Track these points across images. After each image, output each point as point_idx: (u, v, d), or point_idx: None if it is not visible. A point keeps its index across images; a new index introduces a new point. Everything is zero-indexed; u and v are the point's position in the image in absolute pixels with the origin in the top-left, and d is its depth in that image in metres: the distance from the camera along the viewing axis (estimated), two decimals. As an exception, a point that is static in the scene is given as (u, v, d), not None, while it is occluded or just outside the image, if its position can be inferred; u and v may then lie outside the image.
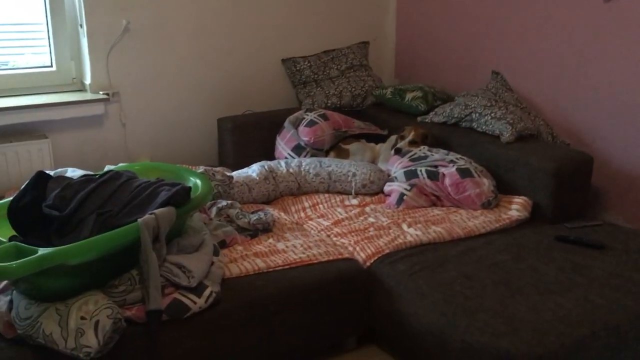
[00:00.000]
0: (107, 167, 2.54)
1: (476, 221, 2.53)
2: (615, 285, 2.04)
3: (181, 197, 1.93)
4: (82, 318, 1.68)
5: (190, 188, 1.99)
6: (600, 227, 2.53)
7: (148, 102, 3.21)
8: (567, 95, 2.97)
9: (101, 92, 3.05)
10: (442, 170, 2.73)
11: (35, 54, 3.05)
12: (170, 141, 3.32)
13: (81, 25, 3.00)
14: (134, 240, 1.78)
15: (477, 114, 2.95)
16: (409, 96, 3.31)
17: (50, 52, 3.06)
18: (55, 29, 3.02)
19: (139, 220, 1.79)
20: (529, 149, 2.73)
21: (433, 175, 2.71)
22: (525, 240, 2.41)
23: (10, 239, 1.74)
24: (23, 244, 1.66)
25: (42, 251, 1.62)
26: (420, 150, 2.90)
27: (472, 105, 3.00)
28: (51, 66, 3.08)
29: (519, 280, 2.09)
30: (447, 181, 2.68)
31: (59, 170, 2.55)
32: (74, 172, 2.50)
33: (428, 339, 2.00)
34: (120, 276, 1.84)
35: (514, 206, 2.63)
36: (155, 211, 1.83)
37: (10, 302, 1.76)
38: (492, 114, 2.89)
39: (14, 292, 1.78)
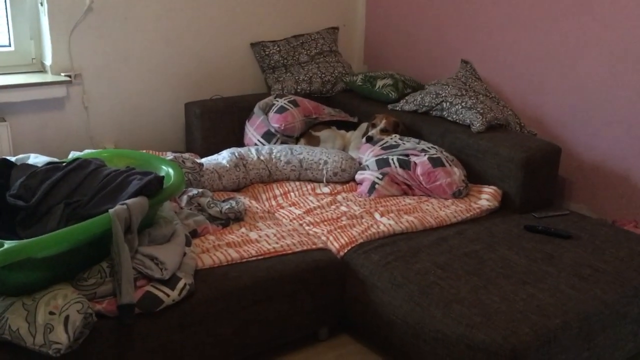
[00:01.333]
0: (73, 154, 2.46)
1: (447, 210, 2.55)
2: (584, 274, 2.09)
3: (153, 187, 1.88)
4: (51, 313, 1.61)
5: (162, 177, 1.93)
6: (567, 217, 2.59)
7: (112, 85, 3.10)
8: (534, 85, 3.01)
9: (63, 74, 2.93)
10: (413, 159, 2.73)
11: (-9, 32, 2.91)
12: (136, 126, 3.22)
13: (41, 3, 2.86)
14: (105, 232, 1.72)
15: (448, 103, 2.96)
16: (379, 84, 3.30)
17: (9, 31, 2.91)
18: (14, 6, 2.87)
19: (110, 210, 1.72)
20: (498, 138, 2.76)
21: (405, 164, 2.72)
22: (495, 230, 2.44)
23: (-27, 231, 1.66)
24: (-13, 237, 1.58)
25: (7, 244, 1.54)
26: (391, 138, 2.90)
27: (443, 94, 3.01)
28: (9, 45, 2.94)
29: (492, 270, 2.11)
30: (418, 170, 2.69)
31: (21, 156, 2.44)
32: (36, 159, 2.39)
33: (403, 329, 2.01)
34: (90, 269, 1.77)
35: (484, 196, 2.66)
36: (127, 201, 1.77)
37: (-27, 296, 1.68)
38: (463, 104, 2.91)
39: (-23, 286, 1.69)
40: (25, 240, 1.58)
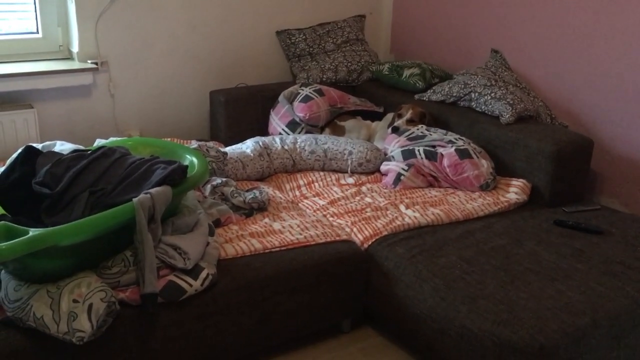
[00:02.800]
0: (98, 142, 2.47)
1: (474, 203, 2.50)
2: (615, 272, 2.03)
3: (177, 176, 1.87)
4: (75, 301, 1.62)
5: (186, 167, 1.92)
6: (598, 212, 2.52)
7: (138, 73, 3.11)
8: (567, 76, 2.92)
9: (89, 61, 2.94)
10: (440, 150, 2.68)
11: (20, 19, 2.92)
12: (161, 114, 3.23)
13: (69, -9, 2.87)
14: (129, 221, 1.72)
15: (477, 94, 2.90)
16: (406, 73, 3.24)
17: (36, 18, 2.92)
18: (42, -7, 2.89)
19: (134, 199, 1.72)
20: (528, 130, 2.69)
21: (431, 156, 2.67)
22: (523, 224, 2.38)
23: (0, 218, 1.67)
24: (13, 224, 1.59)
25: (33, 232, 1.55)
26: (418, 129, 2.85)
27: (472, 84, 2.95)
28: (37, 33, 2.95)
29: (519, 265, 2.07)
30: (445, 162, 2.64)
31: (47, 143, 2.46)
32: (62, 146, 2.41)
33: (427, 323, 1.98)
34: (114, 257, 1.78)
35: (512, 189, 2.60)
36: (151, 190, 1.77)
37: (-1, 282, 1.69)
38: (492, 94, 2.84)
39: (2, 272, 1.71)
40: (50, 228, 1.59)
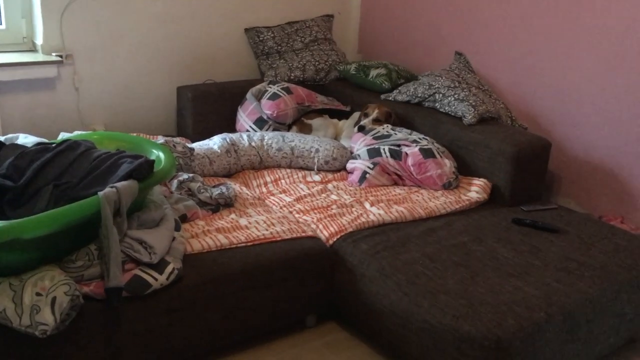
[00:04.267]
0: (63, 135, 2.44)
1: (437, 202, 2.56)
2: (570, 269, 2.11)
3: (144, 170, 1.87)
4: (38, 294, 1.61)
5: (153, 161, 1.92)
6: (554, 211, 2.61)
7: (104, 67, 3.07)
8: (527, 80, 3.01)
9: (54, 54, 2.89)
10: (404, 149, 2.73)
11: (-18, 9, 2.87)
12: (127, 108, 3.20)
13: (33, -18, 2.83)
14: (94, 214, 1.71)
15: (441, 95, 2.97)
16: (373, 73, 3.29)
17: (0, 9, 2.87)
18: (5, -17, 2.84)
19: (100, 193, 1.71)
20: (489, 131, 2.77)
21: (396, 155, 2.72)
22: (483, 222, 2.45)
23: (-39, 210, 1.64)
24: (-25, 216, 1.57)
25: (-5, 224, 1.54)
26: (383, 128, 2.90)
27: (436, 86, 3.01)
28: (0, 24, 2.90)
29: (479, 262, 2.13)
30: (409, 161, 2.69)
31: (10, 136, 2.41)
32: (26, 139, 2.37)
33: (390, 318, 2.02)
34: (78, 251, 1.77)
35: (473, 188, 2.67)
36: (117, 184, 1.76)
37: (-41, 275, 1.67)
38: (456, 95, 2.91)
39: (-37, 265, 1.68)
40: (13, 221, 1.57)
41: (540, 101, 2.97)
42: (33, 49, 2.97)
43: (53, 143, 1.97)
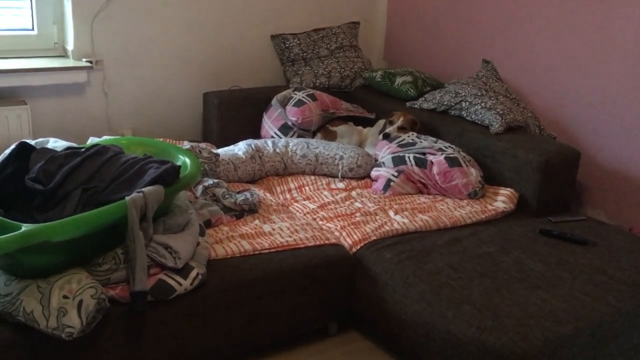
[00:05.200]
0: (92, 140, 2.47)
1: (462, 211, 2.53)
2: (598, 282, 2.07)
3: (170, 176, 1.88)
4: (65, 297, 1.63)
5: (179, 167, 1.94)
6: (583, 223, 2.56)
7: (132, 73, 3.12)
8: (555, 88, 2.97)
9: (84, 60, 2.95)
10: (430, 158, 2.71)
11: (15, 15, 2.92)
12: (154, 114, 3.24)
13: (65, -12, 2.88)
14: (121, 219, 1.73)
15: (468, 103, 2.94)
16: (398, 80, 3.28)
17: (32, 15, 2.93)
18: (38, -10, 2.90)
19: (127, 198, 1.74)
20: (517, 140, 2.73)
21: (421, 163, 2.70)
22: (510, 233, 2.42)
23: (-8, 212, 1.68)
24: (6, 219, 1.60)
25: (25, 227, 1.56)
26: (408, 136, 2.89)
27: (463, 94, 2.99)
28: (32, 29, 2.96)
29: (505, 273, 2.10)
30: (434, 169, 2.67)
31: (40, 140, 2.46)
32: (56, 143, 2.41)
33: (413, 328, 2.01)
34: (105, 254, 1.79)
35: (500, 198, 2.64)
36: (144, 189, 1.78)
37: (-11, 277, 1.70)
38: (483, 104, 2.89)
39: (-7, 266, 1.72)
40: (43, 224, 1.60)
41: (570, 110, 2.92)
42: (64, 55, 3.03)
43: (82, 147, 2.00)
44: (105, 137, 2.40)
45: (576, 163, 2.69)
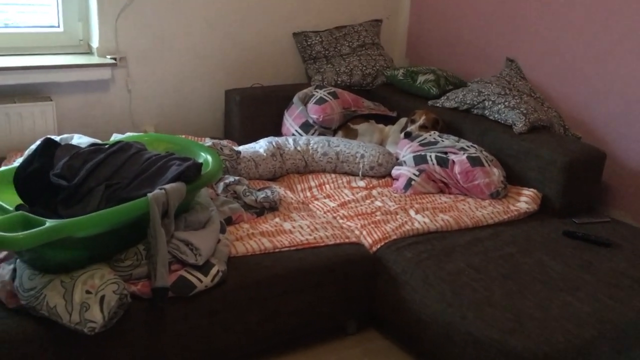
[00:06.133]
0: (115, 136, 2.50)
1: (484, 211, 2.51)
2: (623, 285, 2.03)
3: (192, 173, 1.89)
4: (88, 292, 1.65)
5: (201, 164, 1.95)
6: (608, 224, 2.52)
7: (155, 70, 3.14)
8: (581, 88, 2.92)
9: (108, 57, 2.98)
10: (452, 157, 2.69)
11: (42, 13, 2.96)
12: (176, 110, 3.26)
13: (90, -14, 2.91)
14: (143, 215, 1.74)
15: (491, 102, 2.91)
16: (421, 79, 3.26)
17: (58, 12, 2.97)
18: (64, -12, 2.94)
19: (149, 195, 1.75)
20: (541, 140, 2.70)
21: (443, 162, 2.68)
22: (533, 234, 2.39)
23: (17, 207, 1.70)
24: (30, 214, 1.62)
25: (49, 222, 1.58)
26: (430, 135, 2.86)
27: (486, 93, 2.96)
28: (58, 27, 3.00)
29: (527, 274, 2.07)
30: (456, 169, 2.65)
31: (65, 136, 2.49)
32: (80, 139, 2.44)
33: (433, 329, 1.99)
34: (127, 250, 1.81)
35: (522, 198, 2.60)
36: (166, 186, 1.79)
37: (14, 270, 1.72)
38: (506, 103, 2.85)
39: (18, 261, 1.74)
40: (66, 220, 1.62)
41: (596, 110, 2.87)
42: (88, 52, 3.06)
43: (106, 144, 2.02)
44: (128, 134, 2.43)
45: (601, 164, 2.64)
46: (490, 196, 2.62)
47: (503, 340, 1.77)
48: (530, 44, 3.13)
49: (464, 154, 2.68)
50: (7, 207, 1.69)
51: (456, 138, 2.84)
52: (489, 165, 2.64)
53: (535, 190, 2.62)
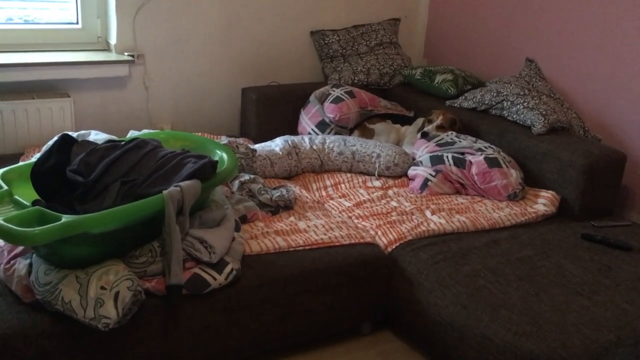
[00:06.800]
0: (132, 133, 2.51)
1: (501, 213, 2.48)
2: (643, 290, 2.00)
3: (207, 171, 1.89)
4: (102, 288, 1.65)
5: (217, 162, 1.95)
6: (628, 228, 2.48)
7: (172, 67, 3.15)
8: (602, 89, 2.88)
9: (126, 54, 2.99)
10: (469, 158, 2.66)
11: (61, 9, 2.98)
12: (192, 108, 3.27)
13: (109, -17, 2.93)
14: (158, 212, 1.75)
15: (509, 102, 2.87)
16: (438, 78, 3.23)
17: (77, 9, 2.99)
18: (83, -15, 2.96)
19: (164, 192, 1.75)
20: (560, 142, 2.66)
21: (460, 163, 2.65)
22: (550, 236, 2.36)
23: (34, 203, 1.71)
24: (47, 210, 1.63)
25: (65, 218, 1.59)
26: (447, 135, 2.84)
27: (504, 93, 2.92)
28: (77, 23, 3.02)
29: (544, 278, 2.05)
30: (473, 169, 2.62)
31: (82, 132, 2.51)
32: (97, 136, 2.46)
33: (448, 331, 1.97)
34: (142, 247, 1.81)
35: (540, 200, 2.57)
36: (181, 184, 1.79)
37: (30, 265, 1.74)
38: (525, 103, 2.82)
39: (34, 256, 1.75)
40: (82, 215, 1.63)
41: (617, 112, 2.83)
42: (106, 49, 3.08)
43: (122, 141, 2.02)
44: (144, 131, 2.43)
45: (621, 166, 2.60)
46: (507, 198, 2.59)
47: (519, 344, 1.74)
48: (550, 44, 3.09)
49: (481, 154, 2.65)
50: (24, 202, 1.70)
51: (474, 139, 2.81)
52: (507, 167, 2.60)
53: (553, 193, 2.59)
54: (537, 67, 3.13)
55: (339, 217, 2.41)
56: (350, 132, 3.12)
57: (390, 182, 2.74)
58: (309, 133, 3.09)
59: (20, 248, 1.81)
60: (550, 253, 2.22)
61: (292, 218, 2.33)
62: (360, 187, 2.68)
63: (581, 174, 2.51)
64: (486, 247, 2.24)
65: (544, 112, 2.75)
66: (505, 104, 2.89)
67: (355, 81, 3.39)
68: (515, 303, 1.90)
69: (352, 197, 2.58)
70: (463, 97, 3.11)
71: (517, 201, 2.59)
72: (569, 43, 3.00)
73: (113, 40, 3.00)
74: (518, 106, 2.83)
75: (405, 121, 3.20)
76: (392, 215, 2.41)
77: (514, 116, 2.84)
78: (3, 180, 1.80)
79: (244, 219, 2.24)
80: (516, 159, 2.71)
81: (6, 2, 2.86)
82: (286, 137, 2.83)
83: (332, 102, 3.08)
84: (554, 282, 2.02)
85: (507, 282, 2.01)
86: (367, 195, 2.58)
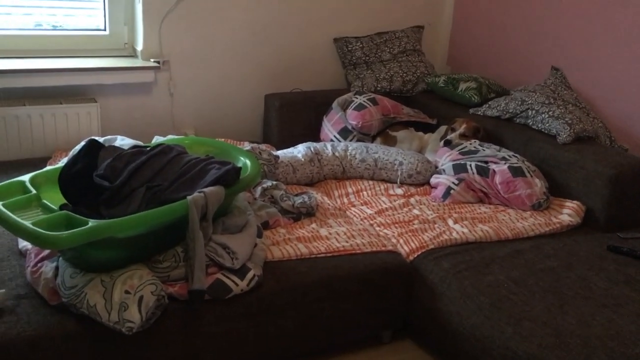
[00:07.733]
0: (157, 139, 2.54)
1: (525, 223, 2.45)
2: (671, 304, 1.96)
3: (231, 177, 1.91)
4: (127, 292, 1.67)
5: (240, 168, 1.96)
6: (655, 240, 2.43)
7: (197, 73, 3.18)
8: (629, 98, 2.84)
9: (152, 60, 3.03)
10: (492, 166, 2.64)
11: (88, 16, 3.04)
12: (216, 114, 3.30)
13: (137, -9, 2.97)
14: (182, 218, 1.76)
15: (534, 111, 2.85)
16: (462, 86, 3.22)
17: (105, 16, 3.04)
18: (111, -8, 3.01)
19: (189, 198, 1.77)
20: (586, 151, 2.62)
21: (483, 171, 2.64)
22: (575, 248, 2.32)
23: (61, 207, 1.74)
24: (74, 214, 1.65)
25: (92, 222, 1.61)
26: (471, 144, 2.82)
27: (529, 102, 2.90)
28: (104, 30, 3.07)
29: (569, 289, 2.02)
30: (497, 178, 2.60)
31: (108, 137, 2.55)
32: (123, 141, 2.49)
33: (470, 341, 1.95)
34: (166, 252, 1.83)
35: (565, 210, 2.54)
36: (205, 190, 1.81)
37: (56, 268, 1.76)
38: (550, 112, 2.79)
39: (60, 259, 1.78)
40: (108, 220, 1.65)
41: (643, 121, 2.79)
42: (133, 55, 3.13)
43: (147, 146, 2.05)
44: (169, 137, 2.46)
45: (649, 177, 2.56)
46: (531, 207, 2.56)
47: (542, 356, 1.72)
48: (576, 53, 3.05)
49: (505, 163, 2.63)
50: (52, 206, 1.73)
51: (497, 147, 2.79)
52: (531, 176, 2.58)
53: (578, 203, 2.55)
54: (562, 76, 3.09)
55: (361, 224, 2.41)
56: (373, 139, 3.12)
57: (413, 190, 2.73)
58: (332, 140, 3.09)
59: (47, 251, 1.84)
60: (575, 264, 2.19)
61: (313, 225, 2.33)
62: (382, 194, 2.67)
63: (607, 185, 2.47)
64: (509, 257, 2.22)
65: (569, 121, 2.72)
66: (530, 113, 2.87)
67: (378, 88, 3.39)
68: (538, 315, 1.87)
69: (374, 204, 2.58)
70: (487, 106, 3.09)
71: (541, 211, 2.57)
72: (596, 52, 2.96)
73: (139, 47, 3.04)
74: (543, 115, 2.80)
75: (428, 129, 3.19)
76: (414, 224, 2.40)
77: (539, 125, 2.82)
78: (32, 184, 1.84)
79: (266, 225, 2.25)
80: (541, 168, 2.69)
81: (35, 9, 2.92)
82: (308, 143, 2.84)
83: (354, 109, 3.08)
84: (579, 294, 1.99)
85: (530, 293, 1.99)
86: (389, 203, 2.58)
